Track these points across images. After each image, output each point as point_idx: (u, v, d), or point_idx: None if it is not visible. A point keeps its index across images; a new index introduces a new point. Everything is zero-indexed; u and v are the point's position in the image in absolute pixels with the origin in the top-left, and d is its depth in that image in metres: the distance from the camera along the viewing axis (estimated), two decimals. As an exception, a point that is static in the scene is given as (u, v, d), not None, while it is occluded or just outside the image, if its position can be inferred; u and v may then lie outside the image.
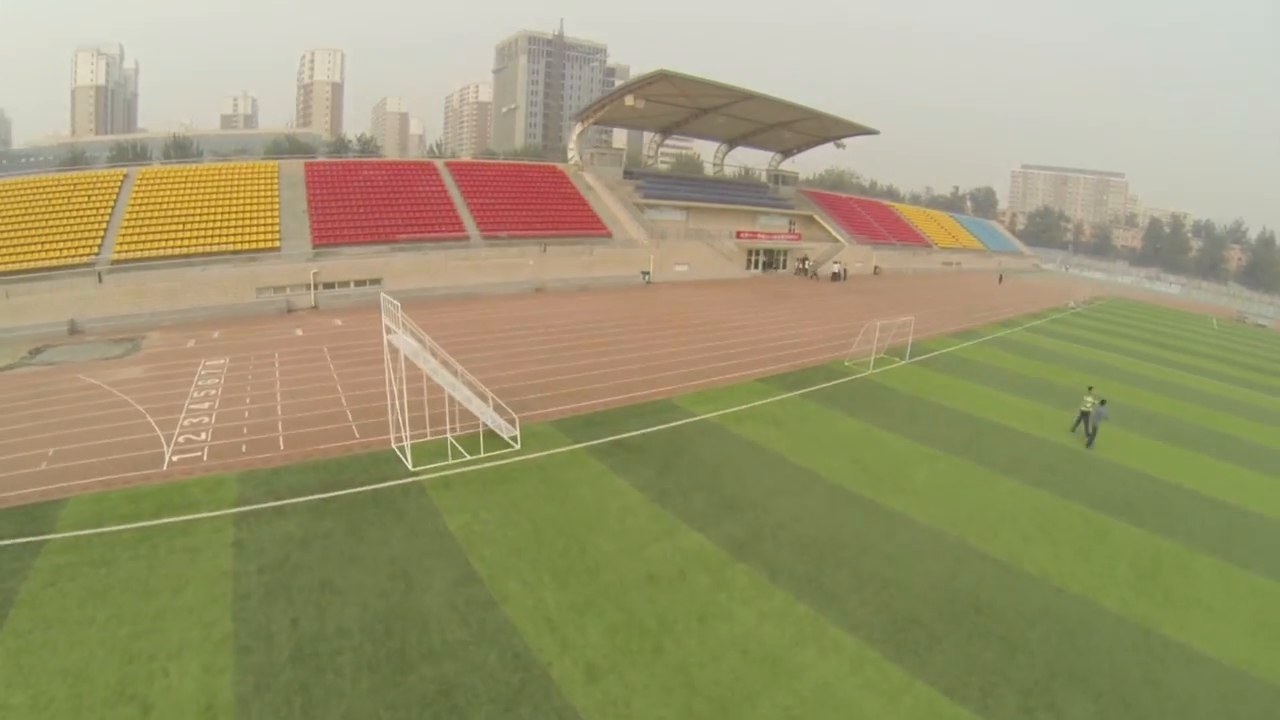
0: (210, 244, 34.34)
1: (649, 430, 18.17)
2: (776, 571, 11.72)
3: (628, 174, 60.50)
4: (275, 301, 32.61)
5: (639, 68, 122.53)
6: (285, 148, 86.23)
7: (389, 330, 14.58)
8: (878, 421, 20.40)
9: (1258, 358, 44.93)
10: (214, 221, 36.00)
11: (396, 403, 14.88)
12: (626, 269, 47.08)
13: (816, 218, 69.62)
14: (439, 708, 8.27)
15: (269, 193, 39.90)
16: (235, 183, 40.08)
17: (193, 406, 18.25)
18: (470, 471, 14.93)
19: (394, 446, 15.75)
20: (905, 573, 12.01)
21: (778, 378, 24.36)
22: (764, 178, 76.41)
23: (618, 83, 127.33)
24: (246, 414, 17.85)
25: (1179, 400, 27.98)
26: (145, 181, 38.26)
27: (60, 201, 34.70)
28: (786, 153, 72.76)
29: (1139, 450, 20.29)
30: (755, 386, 23.04)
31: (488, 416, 15.89)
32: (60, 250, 31.16)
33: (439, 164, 51.69)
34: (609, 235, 49.57)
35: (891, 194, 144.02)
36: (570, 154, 59.14)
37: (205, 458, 15.05)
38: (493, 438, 16.31)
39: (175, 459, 14.90)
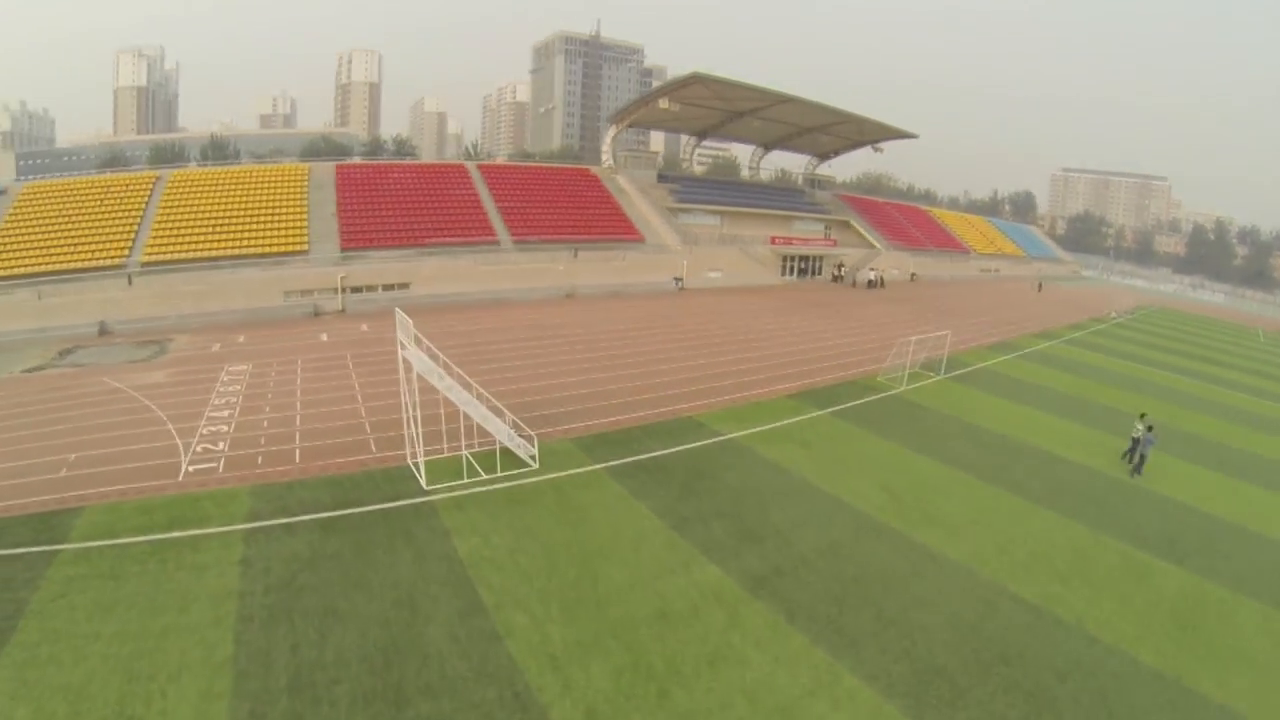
0: (238, 247, 34.80)
1: (672, 450, 17.70)
2: (794, 611, 11.16)
3: (662, 177, 59.81)
4: (302, 305, 32.85)
5: (676, 68, 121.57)
6: (321, 148, 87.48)
7: (403, 346, 14.38)
8: (909, 443, 19.66)
9: (1312, 375, 42.60)
10: (243, 224, 36.50)
11: (411, 418, 14.68)
12: (658, 275, 46.55)
13: (852, 223, 68.31)
14: (433, 749, 7.96)
15: (298, 195, 40.32)
16: (265, 185, 40.61)
17: (213, 414, 18.38)
18: (484, 492, 14.65)
19: (409, 463, 15.58)
20: (931, 615, 11.36)
21: (808, 393, 23.75)
22: (800, 181, 75.18)
23: (655, 83, 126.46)
24: (265, 423, 17.90)
25: (1225, 421, 26.64)
26: (176, 184, 39.05)
27: (93, 204, 35.61)
28: (823, 156, 71.46)
29: (1183, 479, 19.22)
30: (785, 403, 22.43)
31: (504, 435, 15.59)
32: (92, 252, 31.92)
33: (470, 166, 51.82)
34: (641, 240, 49.01)
35: (929, 197, 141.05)
36: (604, 157, 58.75)
37: (221, 469, 15.08)
38: (510, 454, 16.01)
39: (191, 469, 14.96)
